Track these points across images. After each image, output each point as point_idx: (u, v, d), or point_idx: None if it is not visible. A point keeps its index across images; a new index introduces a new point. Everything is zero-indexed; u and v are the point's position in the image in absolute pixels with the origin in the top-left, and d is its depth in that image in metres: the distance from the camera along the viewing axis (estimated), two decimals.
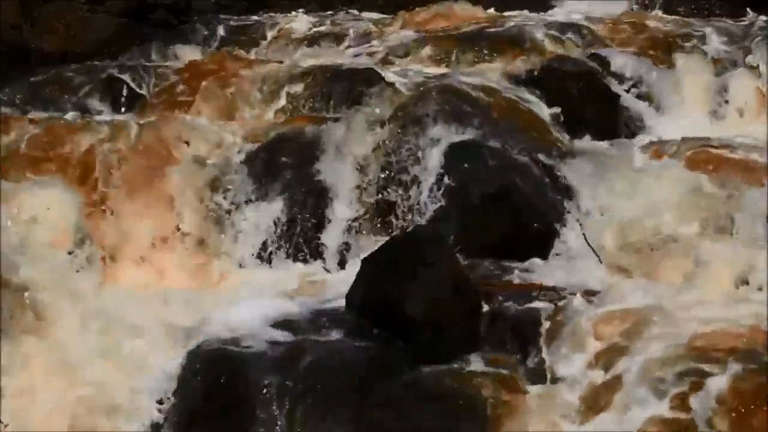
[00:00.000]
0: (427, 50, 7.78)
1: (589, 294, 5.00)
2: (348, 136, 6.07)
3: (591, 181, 5.80)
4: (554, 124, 6.47)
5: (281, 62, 7.34)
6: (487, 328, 4.77)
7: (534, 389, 4.48)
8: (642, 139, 6.55)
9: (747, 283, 5.01)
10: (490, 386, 4.46)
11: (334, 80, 6.80)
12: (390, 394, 4.41)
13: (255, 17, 9.17)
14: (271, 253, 5.78)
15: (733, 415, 4.01)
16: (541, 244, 5.57)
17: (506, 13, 8.72)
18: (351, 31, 8.45)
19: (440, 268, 4.83)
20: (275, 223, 5.83)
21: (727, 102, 7.03)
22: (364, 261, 5.04)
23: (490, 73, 7.12)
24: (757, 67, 7.11)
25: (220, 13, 9.19)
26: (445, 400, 4.40)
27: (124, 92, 7.06)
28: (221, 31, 8.70)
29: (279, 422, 4.36)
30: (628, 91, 7.05)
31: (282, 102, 6.78)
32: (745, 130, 6.64)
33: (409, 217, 5.76)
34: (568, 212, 5.67)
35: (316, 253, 5.78)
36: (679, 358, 4.30)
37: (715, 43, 7.36)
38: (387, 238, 5.56)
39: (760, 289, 4.94)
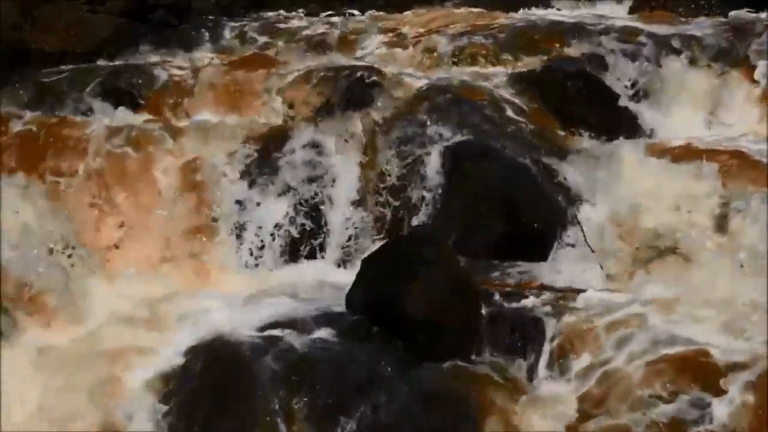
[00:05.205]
0: (429, 50, 7.79)
1: (589, 294, 5.01)
2: (349, 135, 6.08)
3: (591, 181, 5.81)
4: (554, 123, 6.47)
5: (283, 62, 7.33)
6: (487, 328, 4.78)
7: (533, 389, 4.49)
8: (641, 139, 6.55)
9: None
10: (490, 386, 4.47)
11: (335, 80, 6.80)
12: (390, 394, 4.42)
13: (255, 17, 9.16)
14: (271, 252, 5.78)
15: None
16: (541, 244, 5.57)
17: (507, 14, 8.72)
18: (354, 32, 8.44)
19: (440, 268, 4.83)
20: (276, 223, 5.83)
21: (726, 102, 7.03)
22: (364, 261, 5.05)
23: (490, 73, 7.13)
24: (757, 66, 7.10)
25: (220, 14, 9.18)
26: (445, 400, 4.41)
27: (125, 92, 7.05)
28: (221, 31, 8.69)
29: (279, 421, 4.36)
30: (627, 92, 7.05)
31: (283, 102, 6.78)
32: (745, 130, 6.64)
33: (410, 217, 5.76)
34: (568, 212, 5.67)
35: (316, 253, 5.78)
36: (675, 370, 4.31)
37: (715, 43, 7.35)
38: (387, 239, 5.57)
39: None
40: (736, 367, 4.19)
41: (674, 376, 4.23)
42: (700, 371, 4.22)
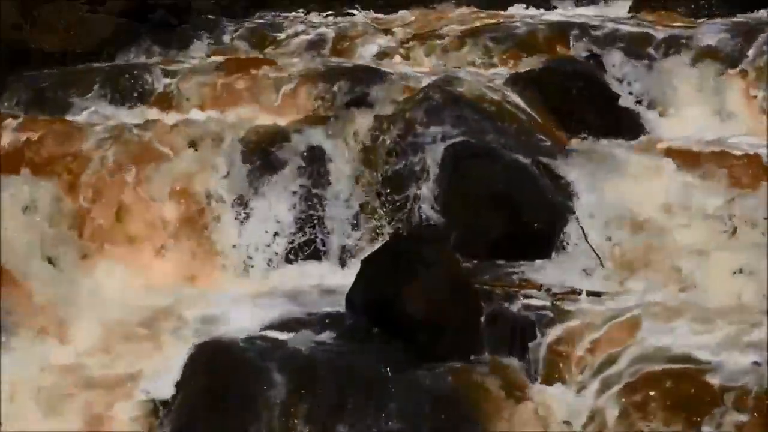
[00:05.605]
0: (428, 51, 7.80)
1: (589, 294, 5.00)
2: (349, 135, 6.08)
3: (591, 181, 5.81)
4: (554, 123, 6.47)
5: (282, 63, 7.32)
6: (487, 328, 4.78)
7: (533, 389, 4.49)
8: (641, 140, 6.55)
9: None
10: (490, 386, 4.47)
11: (335, 80, 6.80)
12: (390, 394, 4.41)
13: (255, 17, 9.18)
14: (271, 252, 5.78)
15: None
16: (541, 244, 5.57)
17: (507, 13, 8.73)
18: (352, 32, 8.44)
19: (440, 268, 4.83)
20: (275, 223, 5.83)
21: (726, 102, 7.03)
22: (364, 261, 5.04)
23: (490, 73, 7.14)
24: (757, 66, 7.10)
25: (220, 14, 9.19)
26: (445, 400, 4.40)
27: (124, 92, 7.06)
28: (221, 31, 8.69)
29: (279, 422, 4.36)
30: (628, 93, 7.05)
31: (283, 101, 6.78)
32: (745, 130, 6.64)
33: (409, 216, 5.76)
34: (568, 212, 5.67)
35: (316, 253, 5.77)
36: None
37: (715, 43, 7.35)
38: (387, 239, 5.57)
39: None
40: (731, 391, 4.11)
41: (664, 410, 4.14)
42: (693, 400, 4.14)
